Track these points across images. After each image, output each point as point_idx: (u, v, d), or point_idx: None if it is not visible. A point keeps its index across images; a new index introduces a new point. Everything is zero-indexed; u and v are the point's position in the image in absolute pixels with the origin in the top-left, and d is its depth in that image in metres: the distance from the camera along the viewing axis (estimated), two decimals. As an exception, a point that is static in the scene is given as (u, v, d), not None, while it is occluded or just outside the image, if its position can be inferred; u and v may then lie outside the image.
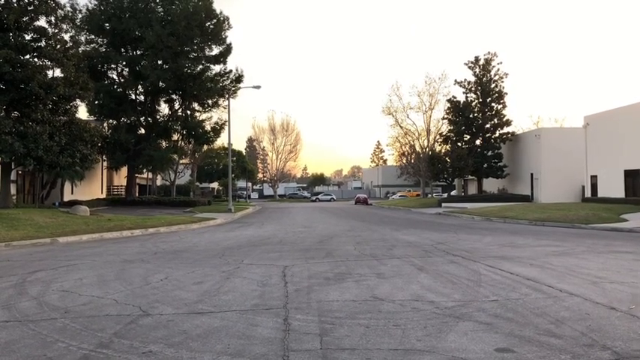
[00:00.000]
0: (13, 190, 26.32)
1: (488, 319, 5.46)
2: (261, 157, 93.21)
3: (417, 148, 58.66)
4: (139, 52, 38.57)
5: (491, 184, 47.40)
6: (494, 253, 11.24)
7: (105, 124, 39.03)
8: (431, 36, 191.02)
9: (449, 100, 47.38)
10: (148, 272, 8.99)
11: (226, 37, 39.71)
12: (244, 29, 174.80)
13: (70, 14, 31.28)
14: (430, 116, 56.24)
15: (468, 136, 46.03)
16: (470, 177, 49.11)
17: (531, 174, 41.71)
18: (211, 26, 38.08)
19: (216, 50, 40.12)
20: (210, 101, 41.46)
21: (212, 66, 40.28)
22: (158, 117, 41.90)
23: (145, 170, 44.89)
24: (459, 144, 46.02)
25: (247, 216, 33.30)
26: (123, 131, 37.05)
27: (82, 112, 40.02)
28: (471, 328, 5.12)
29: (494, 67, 45.59)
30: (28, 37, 22.91)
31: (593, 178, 34.29)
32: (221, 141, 49.18)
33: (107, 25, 37.18)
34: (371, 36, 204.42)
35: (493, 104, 45.34)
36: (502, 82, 45.42)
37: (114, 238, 16.93)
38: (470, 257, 10.57)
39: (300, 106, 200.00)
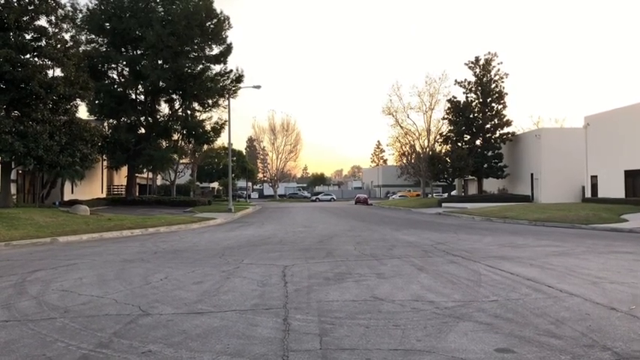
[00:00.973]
0: (13, 189, 26.33)
1: (488, 320, 5.45)
2: (262, 157, 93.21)
3: (417, 148, 58.74)
4: (139, 52, 38.56)
5: (491, 185, 47.37)
6: (494, 254, 11.24)
7: (105, 124, 39.02)
8: (431, 36, 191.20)
9: (449, 100, 47.39)
10: (147, 272, 8.99)
11: (226, 36, 39.74)
12: (244, 29, 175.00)
13: (71, 14, 31.38)
14: (430, 116, 56.41)
15: (468, 136, 46.01)
16: (470, 177, 49.09)
17: (531, 174, 41.70)
18: (212, 26, 38.05)
19: (216, 50, 40.13)
20: (210, 101, 41.43)
21: (212, 66, 40.30)
22: (158, 117, 41.91)
23: (145, 170, 44.90)
24: (459, 144, 46.00)
25: (247, 216, 33.32)
26: (123, 131, 37.06)
27: (83, 112, 40.21)
28: (471, 329, 5.11)
29: (494, 67, 45.59)
30: (28, 37, 22.93)
31: (594, 178, 34.30)
32: (221, 141, 49.25)
33: (107, 24, 37.19)
34: (371, 36, 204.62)
35: (493, 104, 45.33)
36: (502, 82, 45.44)
37: (114, 237, 16.92)
38: (470, 257, 10.57)
39: (300, 106, 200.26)
